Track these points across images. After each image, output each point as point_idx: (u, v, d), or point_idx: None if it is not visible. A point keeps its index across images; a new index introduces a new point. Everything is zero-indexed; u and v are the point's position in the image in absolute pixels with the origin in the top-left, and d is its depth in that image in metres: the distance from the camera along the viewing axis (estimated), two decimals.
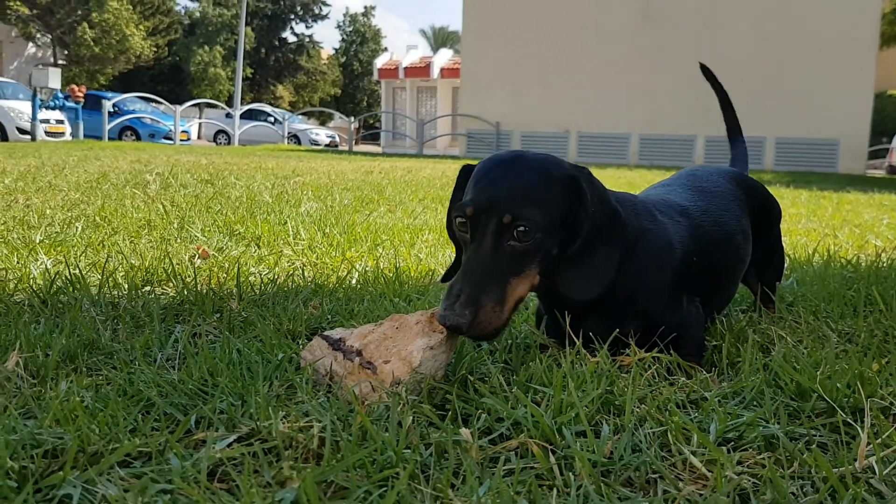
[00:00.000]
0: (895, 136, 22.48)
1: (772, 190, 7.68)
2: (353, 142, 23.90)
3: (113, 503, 0.92)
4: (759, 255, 1.99)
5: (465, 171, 1.52)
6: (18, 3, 30.54)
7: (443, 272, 2.48)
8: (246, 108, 25.25)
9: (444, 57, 28.82)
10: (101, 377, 1.38)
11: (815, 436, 1.18)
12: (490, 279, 1.32)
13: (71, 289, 2.04)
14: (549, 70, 19.49)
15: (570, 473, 1.02)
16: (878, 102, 20.17)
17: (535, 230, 1.34)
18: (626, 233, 1.46)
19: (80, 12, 32.06)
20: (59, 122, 17.20)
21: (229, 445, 1.08)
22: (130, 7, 33.03)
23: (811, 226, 4.62)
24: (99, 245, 2.80)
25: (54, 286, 2.02)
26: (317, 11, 42.70)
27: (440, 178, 7.85)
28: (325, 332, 1.43)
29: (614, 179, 9.39)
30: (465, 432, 1.10)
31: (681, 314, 1.56)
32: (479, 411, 1.21)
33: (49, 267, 2.33)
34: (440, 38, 46.41)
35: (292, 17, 42.47)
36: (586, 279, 1.42)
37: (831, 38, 16.51)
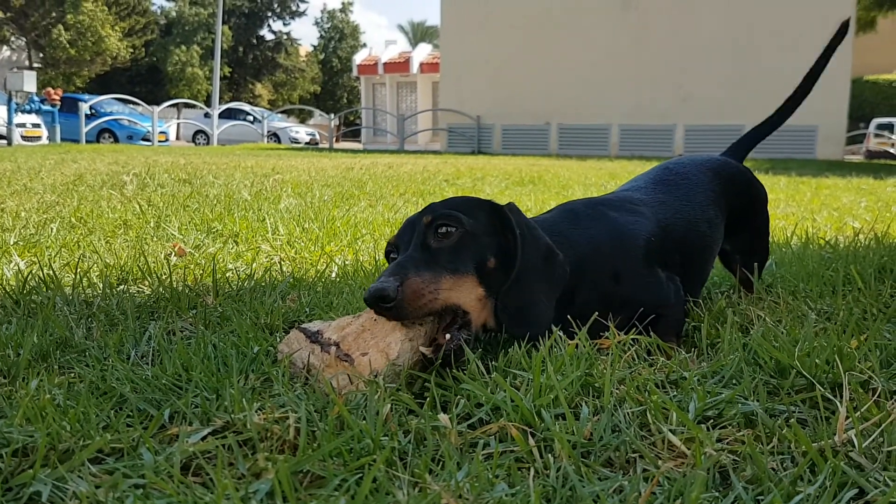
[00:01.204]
0: (872, 122, 22.72)
1: None
2: (334, 139, 23.82)
3: (83, 499, 0.90)
4: (743, 239, 1.99)
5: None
6: None
7: None
8: (224, 107, 25.10)
9: (423, 52, 28.75)
10: (73, 375, 1.36)
11: (795, 412, 1.17)
12: (420, 264, 1.34)
13: (44, 288, 2.01)
14: (529, 63, 19.50)
15: (550, 455, 1.01)
16: (855, 88, 20.32)
17: (458, 226, 1.38)
18: (564, 270, 1.46)
19: (54, 14, 31.76)
20: (36, 125, 17.02)
21: (203, 439, 1.07)
22: (106, 8, 32.75)
23: (790, 210, 4.64)
24: (74, 245, 2.76)
25: (27, 286, 1.99)
26: (294, 8, 42.48)
27: (421, 173, 7.83)
28: (303, 325, 1.42)
29: (595, 171, 9.40)
30: (443, 418, 1.08)
31: (660, 292, 1.58)
32: (458, 397, 1.20)
33: (22, 268, 2.30)
34: (419, 33, 46.31)
35: (269, 14, 42.23)
36: (529, 318, 1.41)
37: (808, 24, 16.60)
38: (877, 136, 22.38)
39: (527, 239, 1.43)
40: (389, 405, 1.13)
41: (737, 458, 1.01)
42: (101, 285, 2.06)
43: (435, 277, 1.32)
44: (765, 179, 7.56)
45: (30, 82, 16.61)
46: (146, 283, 2.18)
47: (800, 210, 4.62)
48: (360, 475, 0.95)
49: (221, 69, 33.29)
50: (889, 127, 22.59)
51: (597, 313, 1.48)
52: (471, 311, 1.37)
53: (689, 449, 1.02)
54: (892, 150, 21.74)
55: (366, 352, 1.29)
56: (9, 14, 31.25)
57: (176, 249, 2.69)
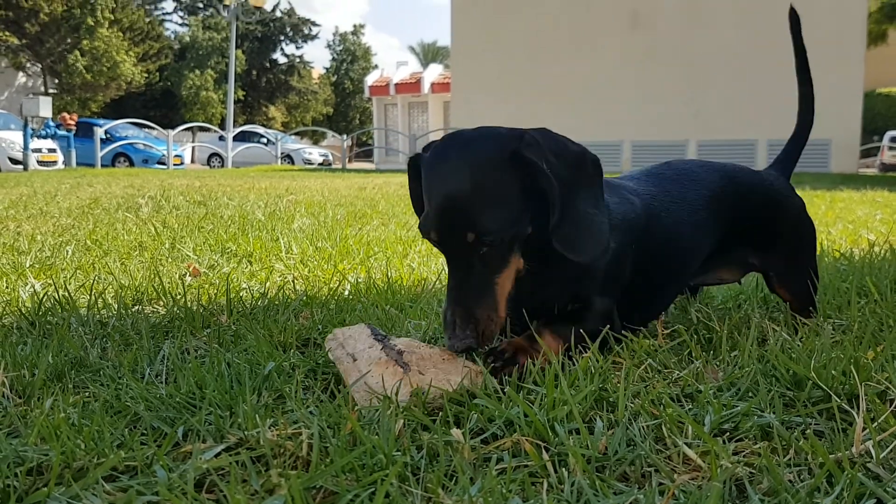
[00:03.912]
0: (886, 134, 22.58)
1: None
2: (347, 159, 23.94)
3: None
4: (775, 257, 1.86)
5: (414, 164, 1.50)
6: (7, 33, 30.64)
7: (434, 279, 2.47)
8: (238, 130, 25.27)
9: (434, 72, 28.93)
10: (87, 394, 1.37)
11: (811, 423, 1.16)
12: (476, 290, 1.32)
13: (59, 309, 2.02)
14: (539, 81, 19.55)
15: (564, 470, 1.00)
16: (867, 101, 20.24)
17: (501, 233, 1.31)
18: (599, 170, 1.41)
19: (69, 40, 32.17)
20: (51, 150, 17.18)
21: (217, 455, 1.07)
22: (121, 34, 33.15)
23: None
24: (89, 267, 2.79)
25: (42, 308, 2.01)
26: (306, 32, 42.89)
27: None
28: (372, 326, 1.47)
29: None
30: (456, 432, 1.08)
31: (603, 293, 1.51)
32: (471, 412, 1.20)
33: (38, 290, 2.32)
34: (429, 54, 46.58)
35: (282, 38, 42.65)
36: (587, 240, 1.37)
37: (819, 38, 16.47)
38: (891, 148, 22.20)
39: (557, 170, 1.34)
40: (402, 421, 1.13)
41: (753, 471, 1.00)
42: (116, 306, 2.08)
43: (492, 301, 1.33)
44: None
45: (45, 108, 16.77)
46: (161, 303, 2.19)
47: (814, 223, 4.59)
48: (373, 490, 0.95)
49: (235, 92, 33.52)
50: None
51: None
52: (512, 285, 1.37)
53: (704, 462, 1.01)
54: None
55: (424, 372, 1.29)
56: (24, 41, 31.67)
57: (190, 270, 2.70)
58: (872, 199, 6.93)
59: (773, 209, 1.87)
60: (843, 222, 4.65)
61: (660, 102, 18.33)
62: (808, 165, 17.21)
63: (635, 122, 18.82)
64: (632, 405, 1.21)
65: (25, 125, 16.15)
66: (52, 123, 17.41)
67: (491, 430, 1.13)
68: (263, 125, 37.02)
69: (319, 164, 26.65)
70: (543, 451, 1.06)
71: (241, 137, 25.31)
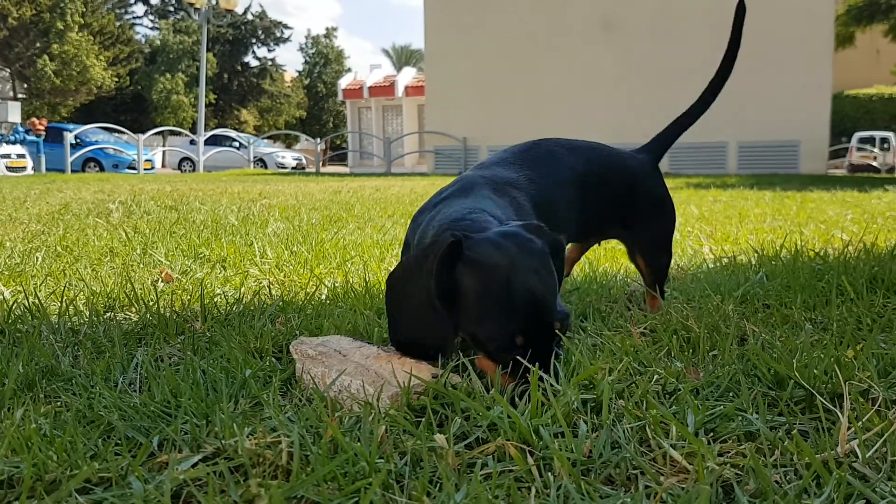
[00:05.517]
0: (854, 135, 22.94)
1: (736, 193, 7.65)
2: (321, 163, 23.82)
3: None
4: (639, 236, 2.00)
5: (451, 260, 1.33)
6: None
7: None
8: (210, 133, 25.05)
9: (407, 75, 28.89)
10: (59, 403, 1.33)
11: (795, 423, 1.16)
12: (555, 370, 1.32)
13: (29, 317, 1.97)
14: (514, 84, 19.62)
15: (550, 474, 0.99)
16: (835, 103, 20.53)
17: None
18: None
19: (39, 45, 31.75)
20: (21, 156, 16.93)
21: (194, 466, 1.04)
22: (91, 37, 32.78)
23: (777, 224, 4.65)
24: (60, 274, 2.73)
25: (12, 315, 1.96)
26: (278, 35, 42.66)
27: (409, 195, 7.83)
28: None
29: None
30: (439, 438, 1.06)
31: None
32: (455, 416, 1.18)
33: (7, 297, 2.26)
34: (403, 57, 46.58)
35: (254, 41, 42.39)
36: None
37: (787, 41, 16.80)
38: (859, 149, 22.56)
39: None
40: (384, 426, 1.11)
41: (739, 472, 0.99)
42: (87, 313, 2.03)
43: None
44: (750, 195, 7.58)
45: (14, 113, 16.57)
46: (133, 309, 2.15)
47: (787, 224, 4.63)
48: (357, 499, 0.93)
49: (207, 96, 33.27)
50: (871, 140, 22.81)
51: None
52: None
53: (690, 464, 1.00)
54: (874, 164, 21.94)
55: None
56: None
57: (163, 276, 2.66)
58: (842, 200, 7.01)
59: (630, 185, 1.98)
60: (815, 222, 4.70)
61: (632, 106, 18.46)
62: (777, 167, 17.43)
63: (608, 125, 18.90)
64: (615, 406, 1.20)
65: None
66: (21, 128, 17.18)
67: (475, 435, 1.12)
68: (235, 129, 36.74)
69: (293, 168, 26.50)
70: (528, 456, 1.04)
71: (212, 141, 25.09)
